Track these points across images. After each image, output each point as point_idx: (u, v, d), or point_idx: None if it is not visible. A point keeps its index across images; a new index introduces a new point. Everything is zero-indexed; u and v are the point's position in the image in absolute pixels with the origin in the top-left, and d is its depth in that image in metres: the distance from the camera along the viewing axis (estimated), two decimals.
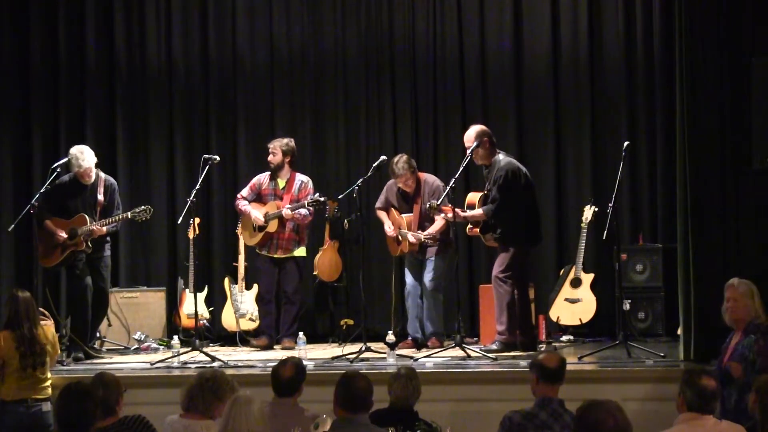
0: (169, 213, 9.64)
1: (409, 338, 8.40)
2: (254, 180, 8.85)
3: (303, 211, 8.53)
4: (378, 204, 8.63)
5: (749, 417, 4.78)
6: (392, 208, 8.50)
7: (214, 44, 9.81)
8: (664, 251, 8.68)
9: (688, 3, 7.02)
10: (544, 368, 4.88)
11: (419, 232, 8.18)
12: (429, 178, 8.41)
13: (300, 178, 8.74)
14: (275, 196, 8.70)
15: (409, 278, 8.44)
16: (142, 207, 8.21)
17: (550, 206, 9.18)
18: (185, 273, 9.08)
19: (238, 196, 8.83)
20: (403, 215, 8.39)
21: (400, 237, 8.33)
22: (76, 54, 9.79)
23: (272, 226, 8.60)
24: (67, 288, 8.68)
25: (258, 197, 8.79)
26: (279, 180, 8.73)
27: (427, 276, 8.28)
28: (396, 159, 8.38)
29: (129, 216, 8.18)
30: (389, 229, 8.41)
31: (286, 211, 8.48)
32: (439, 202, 7.83)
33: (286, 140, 8.75)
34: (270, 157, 8.69)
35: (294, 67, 9.79)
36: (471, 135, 7.85)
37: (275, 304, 8.71)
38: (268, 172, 8.79)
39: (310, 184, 8.71)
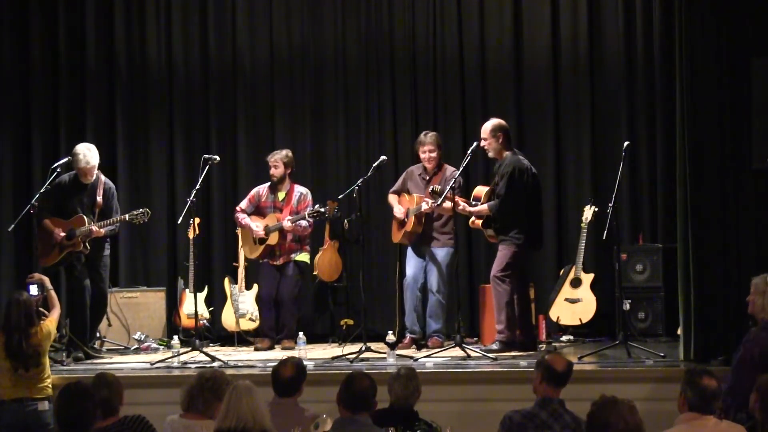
0: (169, 213, 9.64)
1: (407, 333, 8.36)
2: (253, 192, 8.84)
3: (303, 223, 8.53)
4: (393, 188, 8.61)
5: None
6: (404, 193, 8.48)
7: (214, 44, 9.81)
8: (664, 251, 8.68)
9: (688, 3, 7.02)
10: (551, 370, 4.87)
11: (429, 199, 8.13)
12: (450, 168, 8.37)
13: (299, 189, 8.73)
14: (275, 209, 8.70)
15: (409, 270, 8.40)
16: (140, 210, 8.21)
17: (550, 206, 9.18)
18: (185, 273, 9.07)
19: (237, 209, 8.82)
20: (415, 195, 8.36)
21: (406, 218, 8.29)
22: (76, 54, 9.79)
23: (273, 239, 8.60)
24: (67, 289, 8.68)
25: (257, 210, 8.78)
26: (279, 193, 8.73)
27: (433, 273, 8.26)
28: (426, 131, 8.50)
29: (127, 218, 8.18)
30: (399, 212, 8.37)
31: (286, 224, 8.47)
32: (440, 198, 7.78)
33: (285, 152, 8.76)
34: (272, 171, 8.69)
35: (294, 67, 9.79)
36: (487, 127, 7.90)
37: (275, 307, 8.70)
38: (267, 184, 8.79)
39: (309, 196, 8.71)
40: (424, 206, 8.09)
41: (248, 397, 4.29)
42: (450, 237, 8.23)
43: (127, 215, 8.19)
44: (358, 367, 7.17)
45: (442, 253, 8.27)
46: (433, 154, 8.32)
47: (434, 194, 7.89)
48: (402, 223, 8.37)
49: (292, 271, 8.65)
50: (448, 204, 7.92)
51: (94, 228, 8.07)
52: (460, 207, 7.85)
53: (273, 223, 8.60)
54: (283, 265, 8.66)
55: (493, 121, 7.96)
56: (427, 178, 8.40)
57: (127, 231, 9.56)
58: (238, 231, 9.05)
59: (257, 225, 8.64)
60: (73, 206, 8.21)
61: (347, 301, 9.21)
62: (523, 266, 7.92)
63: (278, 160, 8.69)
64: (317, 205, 8.48)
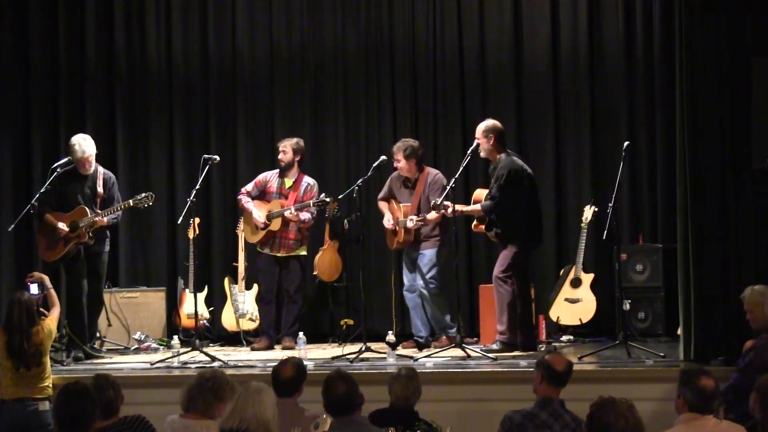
0: (169, 213, 9.64)
1: (414, 338, 8.36)
2: (260, 176, 8.83)
3: (305, 216, 8.52)
4: (380, 195, 8.61)
5: None
6: (393, 200, 8.49)
7: (213, 44, 9.81)
8: (664, 251, 8.68)
9: (687, 3, 7.02)
10: (551, 369, 4.87)
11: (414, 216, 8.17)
12: (432, 172, 8.39)
13: (307, 180, 8.73)
14: (280, 195, 8.69)
15: (405, 280, 8.42)
16: (143, 194, 8.20)
17: (550, 206, 9.18)
18: (185, 273, 9.07)
19: (242, 190, 8.81)
20: (401, 204, 8.37)
21: (397, 228, 8.31)
22: (76, 54, 9.79)
23: (275, 225, 8.58)
24: (66, 288, 8.68)
25: (262, 194, 8.77)
26: (286, 179, 8.73)
27: (423, 273, 8.24)
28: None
29: (131, 204, 8.17)
30: (388, 221, 8.38)
31: (288, 213, 8.47)
32: (440, 201, 7.83)
33: (295, 139, 8.76)
34: (281, 156, 8.70)
35: (294, 67, 9.79)
36: (480, 128, 7.92)
37: (276, 303, 8.70)
38: (276, 170, 8.78)
39: (316, 188, 8.70)
40: (409, 224, 8.14)
41: (256, 399, 4.27)
42: (437, 237, 8.24)
43: (131, 200, 8.18)
44: (358, 367, 7.17)
45: (430, 253, 8.25)
46: (401, 164, 8.32)
47: (435, 208, 7.89)
48: (394, 232, 8.38)
49: (294, 267, 8.65)
50: (432, 216, 7.98)
51: (97, 218, 8.07)
52: (450, 210, 7.83)
53: (277, 208, 8.60)
54: (285, 259, 8.64)
55: (487, 122, 7.96)
56: (410, 184, 8.40)
57: (127, 231, 9.59)
58: (239, 231, 9.05)
59: (260, 213, 8.62)
60: (75, 198, 8.21)
61: (347, 301, 9.21)
62: (525, 266, 7.93)
63: (287, 145, 8.69)
64: (323, 195, 8.47)
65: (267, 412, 4.26)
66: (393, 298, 8.78)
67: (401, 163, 8.32)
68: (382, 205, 8.54)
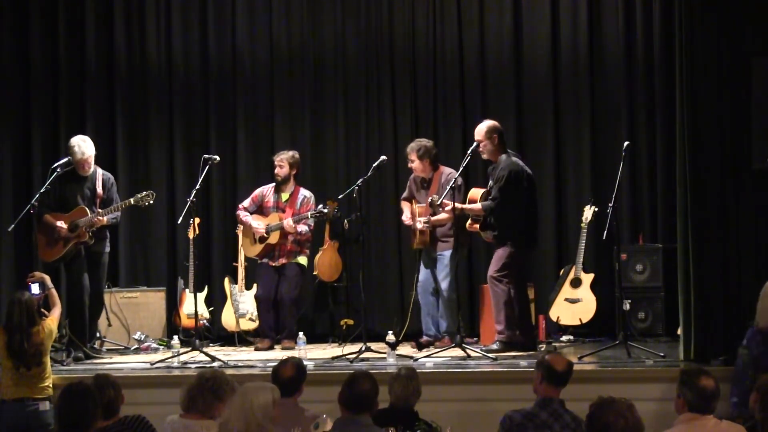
0: (169, 213, 9.64)
1: (424, 337, 8.35)
2: (257, 192, 8.85)
3: (303, 228, 8.54)
4: (402, 195, 8.65)
5: None
6: (413, 200, 8.50)
7: (213, 44, 9.82)
8: (664, 251, 8.68)
9: (687, 3, 7.02)
10: (551, 370, 4.88)
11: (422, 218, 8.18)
12: (445, 171, 8.39)
13: (303, 192, 8.75)
14: (278, 209, 8.71)
15: (421, 276, 8.43)
16: (144, 192, 8.21)
17: (550, 206, 9.19)
18: (185, 273, 9.08)
19: (240, 206, 8.83)
20: (418, 205, 8.38)
21: (414, 227, 8.32)
22: (76, 54, 9.79)
23: (274, 238, 8.61)
24: (66, 288, 8.68)
25: (259, 209, 8.79)
26: (283, 193, 8.74)
27: (440, 275, 8.27)
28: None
29: (132, 202, 8.18)
30: (406, 218, 8.40)
31: (287, 223, 8.48)
32: (439, 201, 7.85)
33: (291, 153, 8.78)
34: (277, 170, 8.72)
35: (294, 66, 9.79)
36: (481, 129, 7.90)
37: (274, 309, 8.69)
38: (272, 185, 8.81)
39: (312, 200, 8.72)
40: (418, 225, 8.15)
41: (245, 401, 4.26)
42: (457, 240, 8.24)
43: (131, 199, 8.19)
44: (358, 366, 7.18)
45: (447, 255, 8.28)
46: (414, 164, 8.34)
47: (432, 206, 7.91)
48: (414, 232, 8.39)
49: (292, 272, 8.65)
50: (442, 216, 7.97)
51: (96, 218, 8.07)
52: (448, 207, 7.85)
53: (275, 222, 8.61)
54: (283, 266, 8.66)
55: (488, 123, 7.96)
56: (425, 184, 8.42)
57: (127, 231, 9.59)
58: (238, 231, 9.06)
59: (258, 223, 8.65)
60: (74, 199, 8.23)
61: (347, 301, 9.20)
62: (521, 266, 7.92)
63: (284, 159, 8.71)
64: (320, 206, 8.49)
65: (257, 413, 4.25)
66: (414, 294, 8.68)
67: (415, 163, 8.34)
68: (403, 205, 8.57)
